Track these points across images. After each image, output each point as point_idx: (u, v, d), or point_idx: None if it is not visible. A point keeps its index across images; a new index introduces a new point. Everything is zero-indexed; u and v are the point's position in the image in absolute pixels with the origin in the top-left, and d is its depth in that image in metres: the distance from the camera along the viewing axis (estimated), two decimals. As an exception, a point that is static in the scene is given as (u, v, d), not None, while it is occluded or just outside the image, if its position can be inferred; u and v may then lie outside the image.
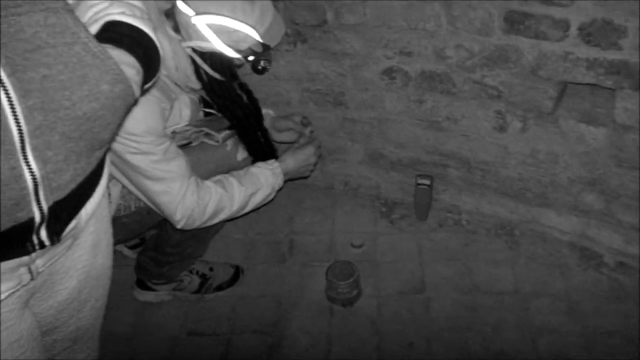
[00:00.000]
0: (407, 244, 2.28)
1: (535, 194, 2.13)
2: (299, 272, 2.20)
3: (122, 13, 0.89)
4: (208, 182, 1.67)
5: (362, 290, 2.09)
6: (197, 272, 2.11)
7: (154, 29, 0.98)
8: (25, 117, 0.75)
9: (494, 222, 2.28)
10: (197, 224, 1.67)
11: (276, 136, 2.00)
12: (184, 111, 1.70)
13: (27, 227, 0.85)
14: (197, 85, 1.65)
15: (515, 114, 1.96)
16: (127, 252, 2.23)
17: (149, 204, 1.65)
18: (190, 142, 1.77)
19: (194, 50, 1.58)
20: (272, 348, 1.96)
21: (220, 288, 2.13)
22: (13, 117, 0.74)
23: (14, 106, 0.74)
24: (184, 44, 1.56)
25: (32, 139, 0.77)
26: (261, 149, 1.87)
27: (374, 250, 2.26)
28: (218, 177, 1.71)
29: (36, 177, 0.80)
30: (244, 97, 1.77)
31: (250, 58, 1.63)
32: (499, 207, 2.25)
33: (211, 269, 2.13)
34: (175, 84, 1.62)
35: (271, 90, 2.20)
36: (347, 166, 2.39)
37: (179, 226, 1.66)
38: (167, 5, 1.59)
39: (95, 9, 0.89)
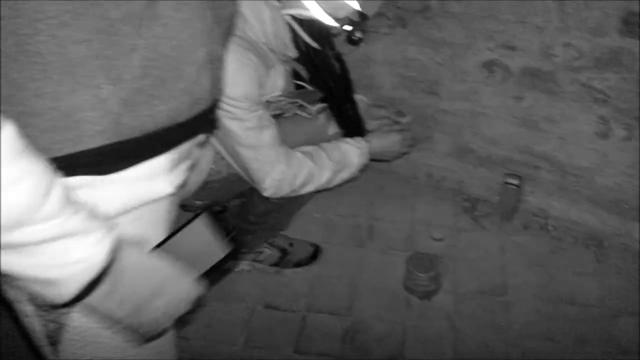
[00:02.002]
0: (489, 243, 2.23)
1: (631, 207, 2.02)
2: (377, 258, 2.19)
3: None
4: (298, 153, 1.67)
5: (441, 285, 2.06)
6: (278, 246, 2.14)
7: None
8: (213, 12, 0.84)
9: (583, 231, 2.19)
10: (283, 192, 1.67)
11: (368, 124, 1.98)
12: (278, 80, 1.71)
13: (213, 106, 0.93)
14: (293, 53, 1.65)
15: (621, 121, 1.86)
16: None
17: (238, 170, 1.68)
18: (283, 113, 1.78)
19: (292, 17, 1.58)
20: (347, 331, 1.96)
21: (298, 264, 2.16)
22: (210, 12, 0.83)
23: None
24: (284, 12, 1.55)
25: (217, 28, 0.87)
26: (350, 121, 1.85)
27: (454, 245, 2.22)
28: (308, 148, 1.71)
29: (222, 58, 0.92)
30: (337, 67, 1.74)
31: (347, 28, 1.61)
32: (589, 216, 2.15)
33: (291, 244, 2.16)
34: (272, 51, 1.63)
35: (364, 73, 2.19)
36: (432, 157, 2.36)
37: (266, 194, 1.67)
38: None
39: None
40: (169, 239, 0.89)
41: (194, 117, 0.87)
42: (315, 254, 2.19)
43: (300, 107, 1.78)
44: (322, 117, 1.82)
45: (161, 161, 0.85)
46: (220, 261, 0.90)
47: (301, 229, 2.26)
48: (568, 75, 1.87)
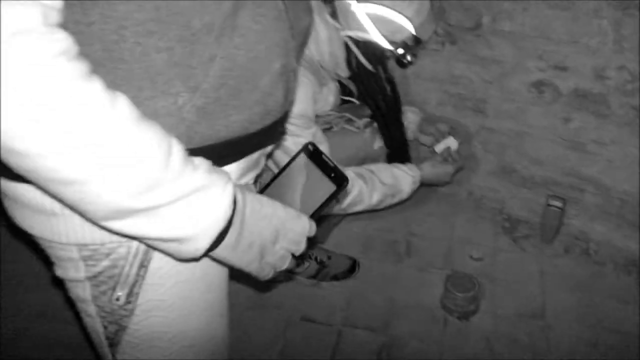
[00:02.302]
0: (528, 265, 2.19)
1: (677, 234, 1.99)
2: (415, 276, 2.17)
3: None
4: (351, 173, 1.68)
5: (480, 306, 2.03)
6: (316, 258, 2.13)
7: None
8: (291, 24, 0.86)
9: (626, 257, 2.15)
10: (333, 209, 1.68)
11: (418, 137, 2.01)
12: (330, 97, 1.72)
13: (284, 117, 0.95)
14: (345, 73, 1.67)
15: (671, 146, 1.84)
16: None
17: None
18: (332, 127, 1.79)
19: (350, 38, 1.59)
20: (383, 347, 1.94)
21: (336, 278, 2.14)
22: (290, 23, 0.85)
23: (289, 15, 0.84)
24: (343, 33, 1.58)
25: (294, 39, 0.88)
26: (396, 142, 1.87)
27: (493, 266, 2.19)
28: (361, 170, 1.72)
29: (295, 70, 0.92)
30: (388, 89, 1.78)
31: (400, 51, 1.63)
32: (633, 242, 2.11)
33: (329, 257, 2.15)
34: (324, 69, 1.64)
35: (410, 88, 2.19)
36: (475, 175, 2.34)
37: None
38: None
39: None
40: (275, 180, 0.92)
41: (265, 127, 0.88)
42: (353, 267, 2.17)
43: (348, 121, 1.79)
44: (368, 132, 1.83)
45: (231, 169, 0.86)
46: (328, 198, 0.90)
47: (339, 243, 2.25)
48: (619, 99, 1.84)
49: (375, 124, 1.85)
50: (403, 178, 1.77)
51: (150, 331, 0.90)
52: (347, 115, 1.79)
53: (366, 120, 1.83)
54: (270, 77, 0.83)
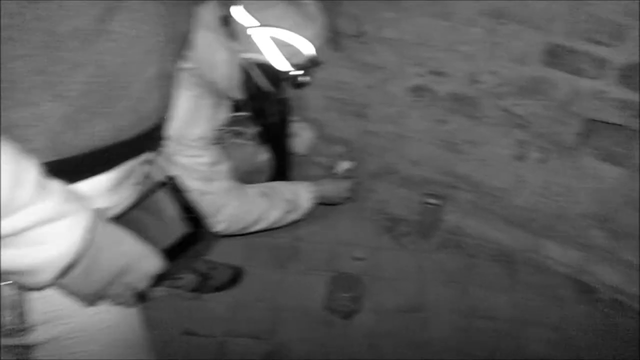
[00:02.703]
0: (408, 262, 2.27)
1: (541, 225, 2.16)
2: (299, 280, 2.16)
3: None
4: (251, 190, 1.67)
5: (362, 305, 2.07)
6: (197, 271, 2.05)
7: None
8: (165, 29, 0.82)
9: (496, 248, 2.31)
10: (234, 228, 1.66)
11: (314, 158, 2.10)
12: (223, 114, 1.67)
13: (161, 123, 0.93)
14: (239, 95, 1.63)
15: (537, 145, 1.99)
16: None
17: None
18: (222, 142, 1.73)
19: (247, 60, 1.55)
20: (268, 355, 1.92)
21: (218, 289, 2.08)
22: (162, 28, 0.82)
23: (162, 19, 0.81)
24: (242, 55, 1.53)
25: (169, 45, 0.85)
26: (283, 161, 1.89)
27: (375, 264, 2.25)
28: (262, 187, 1.72)
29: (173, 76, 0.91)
30: (283, 111, 1.79)
31: (299, 72, 1.61)
32: (502, 234, 2.27)
33: (211, 269, 2.07)
34: (220, 90, 1.59)
35: (293, 93, 2.16)
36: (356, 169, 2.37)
37: (217, 229, 1.63)
38: (225, 11, 1.56)
39: None
40: (129, 213, 0.88)
41: (139, 135, 0.85)
42: (236, 277, 2.11)
43: (237, 134, 1.77)
44: (253, 144, 1.81)
45: (102, 180, 0.83)
46: (180, 239, 0.90)
47: (222, 252, 2.16)
48: (491, 101, 1.96)
49: (260, 137, 1.84)
50: (302, 194, 1.78)
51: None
52: (237, 128, 1.76)
53: (254, 131, 1.80)
54: (144, 83, 0.81)
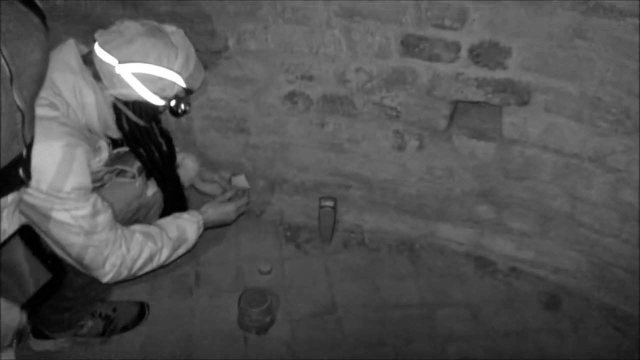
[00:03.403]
0: (314, 267, 2.30)
1: (432, 209, 2.24)
2: (208, 304, 2.13)
3: None
4: (137, 235, 1.61)
5: (275, 316, 2.07)
6: (100, 314, 1.98)
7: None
8: (10, 60, 0.82)
9: (396, 239, 2.37)
10: (123, 276, 1.61)
11: (200, 185, 2.01)
12: (102, 154, 1.62)
13: (17, 162, 0.90)
14: (116, 134, 1.60)
15: (413, 133, 2.06)
16: None
17: (71, 261, 1.55)
18: (103, 184, 1.68)
19: (116, 98, 1.53)
20: (189, 384, 1.88)
21: (126, 328, 2.01)
22: (4, 60, 0.81)
23: (2, 50, 0.81)
24: (108, 93, 1.51)
25: (16, 79, 0.83)
26: (173, 194, 1.86)
27: (282, 275, 2.25)
28: (146, 228, 1.66)
29: (23, 112, 0.87)
30: (164, 144, 1.75)
31: (172, 103, 1.60)
32: (399, 223, 2.33)
33: (114, 310, 2.01)
34: (94, 132, 1.55)
35: (171, 118, 2.15)
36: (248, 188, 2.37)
37: (105, 280, 1.59)
38: (85, 50, 1.54)
39: None
40: None
41: None
42: (142, 312, 2.06)
43: (120, 172, 1.72)
44: (139, 180, 1.76)
45: None
46: (41, 289, 0.86)
47: (123, 290, 2.10)
48: (362, 97, 2.02)
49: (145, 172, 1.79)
50: (189, 227, 1.74)
51: None
52: (119, 167, 1.71)
53: (139, 165, 1.75)
54: None
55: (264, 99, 2.08)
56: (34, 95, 0.92)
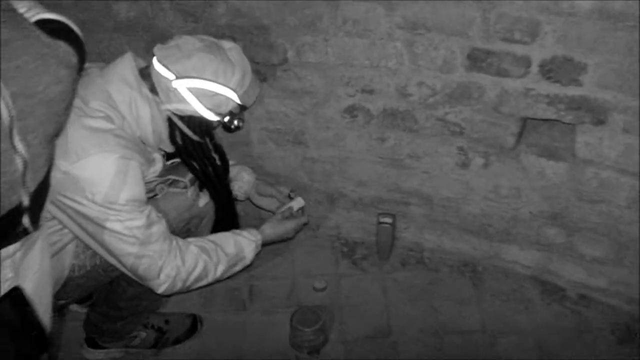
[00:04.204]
0: (370, 285, 2.23)
1: (497, 230, 2.13)
2: (261, 320, 2.10)
3: (47, 12, 0.93)
4: (193, 247, 1.60)
5: (329, 336, 2.01)
6: (152, 326, 1.99)
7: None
8: (12, 102, 0.80)
9: (457, 259, 2.27)
10: (178, 288, 1.59)
11: (257, 200, 2.00)
12: (157, 166, 1.64)
13: (15, 212, 0.88)
14: (169, 148, 1.61)
15: (477, 150, 1.96)
16: (75, 306, 2.06)
17: (127, 272, 1.56)
18: (156, 194, 1.68)
19: (173, 113, 1.53)
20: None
21: (177, 341, 2.01)
22: (4, 102, 0.79)
23: (2, 92, 0.79)
24: (164, 107, 1.51)
25: (18, 122, 0.82)
26: (225, 208, 1.85)
27: (337, 292, 2.20)
28: (203, 242, 1.65)
29: (25, 159, 0.84)
30: (217, 159, 1.75)
31: (227, 118, 1.59)
32: (461, 243, 2.23)
33: (167, 322, 2.01)
34: (148, 144, 1.56)
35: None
36: (306, 205, 2.32)
37: (160, 290, 1.58)
38: (142, 64, 1.55)
39: (22, 10, 0.92)
40: None
41: None
42: (194, 326, 2.05)
43: (172, 182, 1.72)
44: (190, 190, 1.76)
45: None
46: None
47: (177, 301, 2.10)
48: (424, 112, 1.94)
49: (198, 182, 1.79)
50: (246, 245, 1.72)
51: None
52: (171, 177, 1.71)
53: (191, 176, 1.75)
54: None
55: (323, 112, 2.03)
56: (49, 136, 0.91)
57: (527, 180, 1.96)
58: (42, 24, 0.91)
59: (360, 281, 2.24)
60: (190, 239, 1.64)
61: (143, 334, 1.96)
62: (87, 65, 1.57)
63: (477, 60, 1.75)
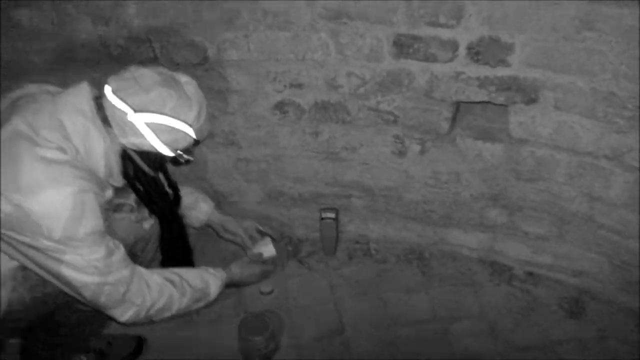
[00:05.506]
0: (318, 283, 2.17)
1: (440, 215, 2.10)
2: (208, 331, 2.02)
3: None
4: (156, 276, 1.54)
5: (280, 342, 1.95)
6: (94, 349, 1.89)
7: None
8: None
9: (403, 248, 2.24)
10: (142, 317, 1.52)
11: (224, 234, 1.98)
12: (107, 194, 1.54)
13: None
14: (119, 182, 1.52)
15: (413, 138, 1.92)
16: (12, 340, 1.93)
17: (80, 298, 1.47)
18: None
19: (125, 146, 1.45)
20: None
21: (122, 363, 1.91)
22: None
23: None
24: (117, 140, 1.43)
25: None
26: (177, 240, 1.80)
27: (285, 294, 2.13)
28: (169, 274, 1.60)
29: None
30: (171, 194, 1.70)
31: (179, 153, 1.52)
32: (406, 231, 2.20)
33: (109, 344, 1.91)
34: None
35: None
36: (245, 208, 2.26)
37: (123, 319, 1.51)
38: (94, 95, 1.45)
39: None
40: None
41: None
42: (139, 347, 1.96)
43: (118, 206, 1.65)
44: (136, 213, 1.69)
45: None
46: None
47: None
48: (356, 103, 1.88)
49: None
50: (212, 282, 1.69)
51: None
52: (117, 201, 1.63)
53: (135, 197, 1.67)
54: None
55: (252, 110, 1.96)
56: None
57: (465, 164, 1.93)
58: None
59: (308, 280, 2.18)
60: (154, 270, 1.59)
61: (84, 359, 1.86)
62: (27, 87, 1.48)
63: (403, 46, 1.70)
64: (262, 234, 1.96)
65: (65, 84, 1.89)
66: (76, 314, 1.65)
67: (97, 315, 1.68)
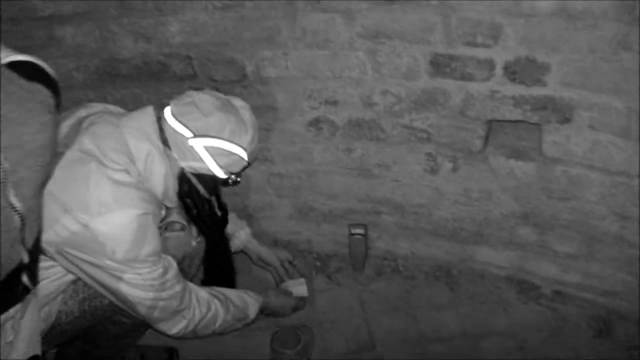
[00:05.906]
0: (347, 298, 2.19)
1: (469, 233, 2.12)
2: (240, 344, 2.03)
3: (16, 53, 0.87)
4: (203, 292, 1.62)
5: (311, 356, 1.96)
6: (126, 360, 1.90)
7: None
8: (4, 155, 0.75)
9: (432, 265, 2.25)
10: (190, 330, 1.60)
11: (259, 263, 2.07)
12: (162, 215, 1.62)
13: (16, 271, 0.83)
14: (172, 203, 1.58)
15: (446, 155, 1.95)
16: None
17: (133, 313, 1.53)
18: None
19: (184, 169, 1.52)
20: None
21: (154, 375, 1.93)
22: None
23: None
24: (180, 163, 1.49)
25: (12, 176, 0.77)
26: (223, 262, 1.86)
27: (314, 309, 2.14)
28: (212, 290, 1.67)
29: (22, 214, 0.80)
30: (220, 216, 1.74)
31: (232, 176, 1.59)
32: (434, 249, 2.22)
33: (142, 356, 1.93)
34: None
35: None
36: (275, 222, 2.28)
37: (172, 332, 1.58)
38: (156, 119, 1.51)
39: None
40: None
41: None
42: (171, 358, 1.97)
43: (169, 225, 1.70)
44: (186, 231, 1.74)
45: None
46: None
47: (152, 333, 2.01)
48: (390, 121, 1.91)
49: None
50: (251, 304, 1.77)
51: None
52: (169, 220, 1.68)
53: (184, 219, 1.73)
54: None
55: (287, 126, 1.99)
56: (39, 187, 0.86)
57: (496, 182, 1.95)
58: (14, 67, 0.85)
59: (337, 295, 2.20)
60: (200, 286, 1.66)
61: (116, 371, 1.88)
62: (91, 105, 1.53)
63: (440, 65, 1.74)
64: (298, 271, 2.07)
65: (104, 99, 1.96)
66: (116, 326, 1.70)
67: (136, 328, 1.73)
